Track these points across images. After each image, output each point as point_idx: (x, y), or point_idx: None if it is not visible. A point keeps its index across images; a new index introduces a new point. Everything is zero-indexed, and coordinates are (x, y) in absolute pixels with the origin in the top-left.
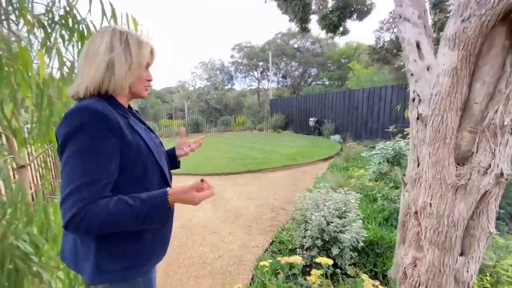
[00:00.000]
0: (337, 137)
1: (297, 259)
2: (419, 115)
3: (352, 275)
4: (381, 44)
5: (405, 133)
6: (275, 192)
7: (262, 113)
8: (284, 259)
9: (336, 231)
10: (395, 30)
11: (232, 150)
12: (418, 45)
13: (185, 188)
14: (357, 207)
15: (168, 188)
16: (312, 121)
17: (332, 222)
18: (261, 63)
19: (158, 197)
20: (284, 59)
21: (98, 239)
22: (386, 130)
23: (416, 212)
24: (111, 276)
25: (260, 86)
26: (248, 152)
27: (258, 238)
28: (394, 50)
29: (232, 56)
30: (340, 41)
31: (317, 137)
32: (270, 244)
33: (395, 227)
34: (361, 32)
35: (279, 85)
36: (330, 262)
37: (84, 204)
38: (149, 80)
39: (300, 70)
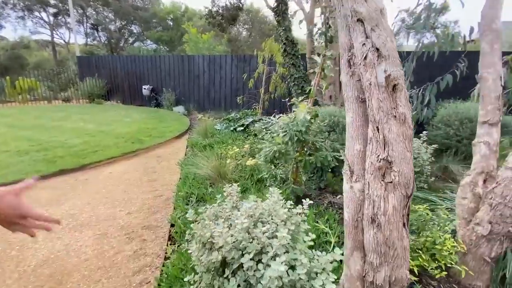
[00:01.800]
0: (180, 108)
1: None
2: (383, 78)
3: None
4: (216, 9)
5: (253, 106)
6: (125, 201)
7: (66, 75)
8: None
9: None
10: None
11: (17, 135)
12: None
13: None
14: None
15: None
16: (146, 89)
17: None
18: (53, 1)
19: None
20: (92, 2)
21: None
22: (238, 102)
23: None
24: None
25: (56, 37)
26: (53, 136)
27: None
28: (230, 18)
29: None
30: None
31: (156, 109)
32: None
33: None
34: None
35: (89, 39)
36: None
37: None
38: None
39: (118, 24)
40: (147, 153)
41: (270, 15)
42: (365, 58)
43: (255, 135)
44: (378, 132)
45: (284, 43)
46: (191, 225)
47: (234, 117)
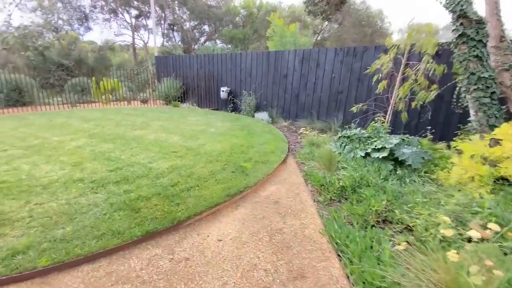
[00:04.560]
0: (264, 115)
1: None
2: None
3: None
4: None
5: (377, 117)
6: None
7: (143, 76)
8: None
9: None
10: None
11: (96, 152)
12: None
13: None
14: None
15: None
16: (224, 91)
17: None
18: (136, 3)
19: None
20: (171, 2)
21: None
22: (349, 110)
23: None
24: None
25: (137, 38)
26: (135, 154)
27: None
28: (338, 2)
29: None
30: None
31: (235, 114)
32: None
33: None
34: None
35: (165, 39)
36: None
37: None
38: None
39: (192, 23)
40: (256, 193)
41: None
42: None
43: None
44: None
45: (461, 23)
46: None
47: (358, 134)
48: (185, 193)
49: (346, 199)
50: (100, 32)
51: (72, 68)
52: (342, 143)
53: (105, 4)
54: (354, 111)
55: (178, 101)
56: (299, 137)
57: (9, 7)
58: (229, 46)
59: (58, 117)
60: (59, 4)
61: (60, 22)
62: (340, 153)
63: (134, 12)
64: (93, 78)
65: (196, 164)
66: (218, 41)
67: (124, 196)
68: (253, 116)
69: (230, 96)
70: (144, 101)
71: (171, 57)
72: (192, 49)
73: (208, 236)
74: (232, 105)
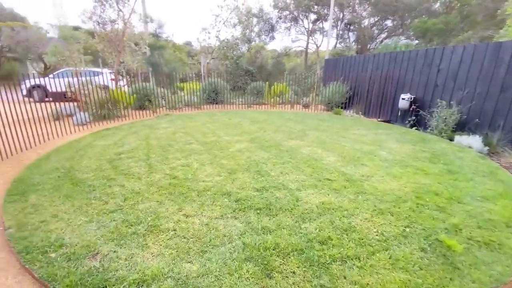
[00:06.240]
0: (475, 140)
1: None
2: None
3: None
4: None
5: None
6: None
7: (310, 80)
8: None
9: None
10: None
11: (251, 160)
12: None
13: None
14: None
15: None
16: (406, 100)
17: None
18: (316, 7)
19: None
20: (351, 0)
21: None
22: None
23: None
24: None
25: (311, 42)
26: (284, 174)
27: None
28: None
29: None
30: None
31: (419, 132)
32: None
33: None
34: None
35: (339, 41)
36: None
37: None
38: None
39: (372, 19)
40: None
41: None
42: None
43: None
44: None
45: None
46: None
47: None
48: (336, 269)
49: None
50: (280, 40)
51: (254, 73)
52: None
53: (289, 13)
54: None
55: (341, 107)
56: None
57: (218, 24)
58: (417, 41)
59: (235, 117)
60: (254, 19)
61: (253, 34)
62: None
63: (313, 16)
64: (267, 82)
65: (358, 211)
66: (402, 37)
67: (261, 238)
68: (451, 139)
69: (412, 106)
70: (306, 106)
71: (341, 59)
72: (367, 49)
73: None
74: (414, 118)
